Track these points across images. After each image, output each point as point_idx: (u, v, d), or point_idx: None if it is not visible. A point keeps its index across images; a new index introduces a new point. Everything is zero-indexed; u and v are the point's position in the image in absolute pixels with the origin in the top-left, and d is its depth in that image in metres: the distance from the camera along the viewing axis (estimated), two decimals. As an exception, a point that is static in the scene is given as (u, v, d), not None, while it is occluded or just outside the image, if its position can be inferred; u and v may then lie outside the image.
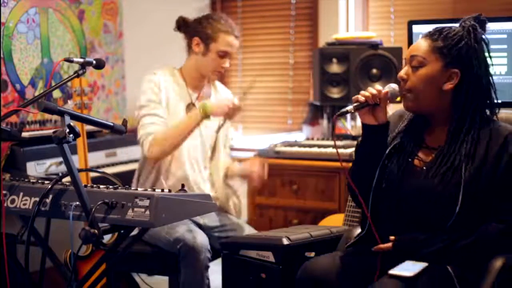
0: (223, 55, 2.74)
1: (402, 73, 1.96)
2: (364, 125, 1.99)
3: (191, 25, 2.79)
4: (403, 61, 2.01)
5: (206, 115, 2.60)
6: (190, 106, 2.79)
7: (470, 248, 1.82)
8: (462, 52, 1.89)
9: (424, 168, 1.93)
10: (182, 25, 2.81)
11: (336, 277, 1.92)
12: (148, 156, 2.65)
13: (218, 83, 2.98)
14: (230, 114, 2.67)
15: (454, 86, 1.90)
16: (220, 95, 2.92)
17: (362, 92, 1.95)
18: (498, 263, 1.79)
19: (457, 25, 1.96)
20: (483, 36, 1.93)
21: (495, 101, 1.95)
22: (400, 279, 1.74)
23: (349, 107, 1.92)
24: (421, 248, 1.85)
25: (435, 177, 1.88)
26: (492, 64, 1.97)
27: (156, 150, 2.61)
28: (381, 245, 1.93)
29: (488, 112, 1.95)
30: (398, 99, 3.16)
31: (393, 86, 1.99)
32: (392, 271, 1.77)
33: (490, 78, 1.95)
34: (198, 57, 2.76)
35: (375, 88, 1.94)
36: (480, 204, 1.83)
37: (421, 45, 1.93)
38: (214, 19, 2.75)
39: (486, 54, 1.94)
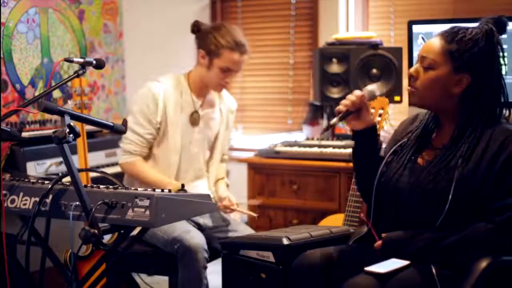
0: (226, 70, 2.72)
1: (412, 70, 1.97)
2: (354, 132, 2.05)
3: (201, 34, 2.76)
4: (415, 58, 2.01)
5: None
6: (193, 114, 2.80)
7: (456, 247, 1.83)
8: (474, 58, 1.88)
9: (423, 166, 1.95)
10: (196, 30, 2.79)
11: (329, 269, 1.94)
12: (119, 165, 2.83)
13: (224, 91, 2.96)
14: None
15: (463, 90, 1.90)
16: (225, 106, 2.93)
17: (342, 101, 1.99)
18: (483, 263, 1.77)
19: (473, 24, 1.95)
20: (499, 41, 1.92)
21: (505, 101, 1.96)
22: (374, 275, 1.77)
23: (334, 120, 1.97)
24: (407, 246, 1.87)
25: (429, 175, 1.90)
26: (505, 64, 1.97)
27: (126, 172, 2.82)
28: (375, 244, 1.96)
29: (496, 111, 1.95)
30: (398, 98, 3.22)
31: (370, 88, 2.03)
32: (367, 268, 1.80)
33: (502, 80, 1.95)
34: (203, 69, 2.75)
35: (353, 94, 1.98)
36: (471, 204, 1.84)
37: (434, 45, 1.92)
38: (221, 33, 2.70)
39: (501, 56, 1.93)
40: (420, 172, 1.94)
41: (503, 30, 1.95)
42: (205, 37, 2.73)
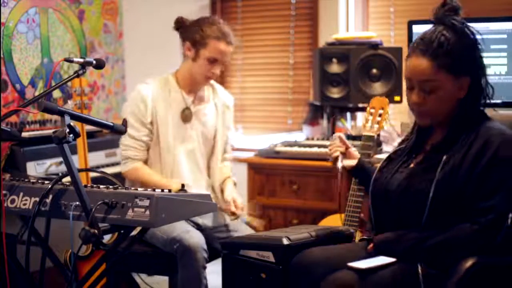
0: (213, 61, 2.71)
1: (416, 99, 1.91)
2: (350, 172, 2.33)
3: (186, 28, 2.77)
4: (406, 80, 1.96)
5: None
6: (185, 111, 2.79)
7: (441, 248, 1.83)
8: (466, 59, 1.88)
9: (411, 167, 1.98)
10: (180, 26, 2.79)
11: (327, 267, 1.94)
12: (122, 174, 2.81)
13: (217, 86, 2.95)
14: None
15: (466, 92, 1.90)
16: (220, 100, 2.91)
17: (332, 149, 2.33)
18: (467, 263, 1.78)
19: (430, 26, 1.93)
20: (470, 27, 1.91)
21: (490, 99, 1.96)
22: (354, 270, 1.82)
23: (340, 164, 2.32)
24: (395, 247, 1.89)
25: (414, 176, 1.92)
26: (482, 55, 1.94)
27: (130, 179, 2.80)
28: (369, 247, 2.01)
29: (482, 108, 1.96)
30: (398, 98, 3.28)
31: (335, 134, 2.41)
32: (350, 263, 1.84)
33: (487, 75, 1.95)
34: (190, 62, 2.76)
35: (334, 142, 2.34)
36: (454, 203, 1.84)
37: (425, 66, 1.87)
38: (205, 24, 2.71)
39: (479, 41, 1.92)
40: (408, 174, 1.96)
41: (459, 11, 1.92)
42: (190, 29, 2.73)
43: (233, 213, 2.72)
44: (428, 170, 1.89)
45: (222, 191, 2.87)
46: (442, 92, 1.88)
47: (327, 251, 2.03)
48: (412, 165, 2.00)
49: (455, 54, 1.86)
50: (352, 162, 2.30)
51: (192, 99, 2.82)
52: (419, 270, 1.82)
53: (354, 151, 2.33)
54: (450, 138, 1.91)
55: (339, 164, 2.31)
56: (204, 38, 2.69)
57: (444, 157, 1.86)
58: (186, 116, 2.79)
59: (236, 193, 2.83)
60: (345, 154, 2.32)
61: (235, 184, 2.90)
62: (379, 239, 1.96)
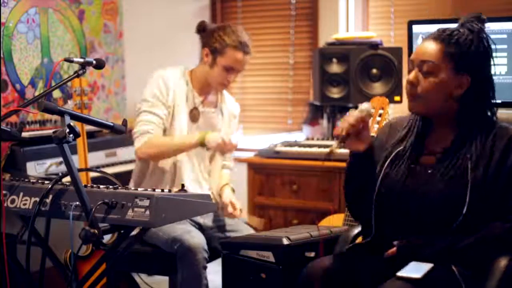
0: (229, 69, 2.73)
1: (412, 77, 1.91)
2: (352, 153, 1.99)
3: (206, 34, 2.78)
4: (409, 63, 1.97)
5: (202, 144, 2.62)
6: (193, 110, 2.79)
7: (474, 248, 1.82)
8: (473, 58, 1.88)
9: (429, 171, 1.93)
10: (201, 30, 2.81)
11: (340, 278, 1.91)
12: (136, 152, 2.69)
13: (226, 93, 2.95)
14: (223, 151, 2.67)
15: (463, 91, 1.89)
16: (227, 108, 2.91)
17: (341, 124, 1.90)
18: (503, 262, 1.78)
19: (455, 25, 1.95)
20: (489, 38, 1.92)
21: (495, 101, 1.96)
22: (409, 281, 1.73)
23: (334, 145, 1.86)
24: (424, 250, 1.85)
25: (441, 180, 1.88)
26: (494, 64, 1.95)
27: (145, 152, 2.67)
28: (388, 251, 1.91)
29: (490, 113, 1.95)
30: (398, 98, 3.20)
31: (365, 107, 1.93)
32: (400, 273, 1.76)
33: (493, 80, 1.95)
34: (206, 67, 2.77)
35: (352, 116, 1.90)
36: (487, 204, 1.83)
37: (432, 49, 1.88)
38: (226, 32, 2.72)
39: (492, 54, 1.93)
40: (428, 177, 1.91)
41: (484, 25, 1.94)
42: (210, 36, 2.75)
43: (230, 214, 2.72)
44: (458, 173, 1.86)
45: (220, 196, 2.87)
46: (438, 78, 1.87)
47: (336, 261, 1.97)
48: (421, 168, 1.94)
49: (465, 49, 1.87)
50: (359, 147, 1.95)
51: (202, 100, 2.82)
52: (456, 272, 1.79)
53: (370, 135, 1.98)
54: (462, 141, 1.89)
55: (333, 144, 1.86)
56: (223, 47, 2.70)
57: (470, 162, 1.85)
58: (194, 115, 2.80)
59: (234, 197, 2.82)
60: (357, 136, 1.93)
61: (233, 190, 2.90)
62: (403, 243, 1.89)
